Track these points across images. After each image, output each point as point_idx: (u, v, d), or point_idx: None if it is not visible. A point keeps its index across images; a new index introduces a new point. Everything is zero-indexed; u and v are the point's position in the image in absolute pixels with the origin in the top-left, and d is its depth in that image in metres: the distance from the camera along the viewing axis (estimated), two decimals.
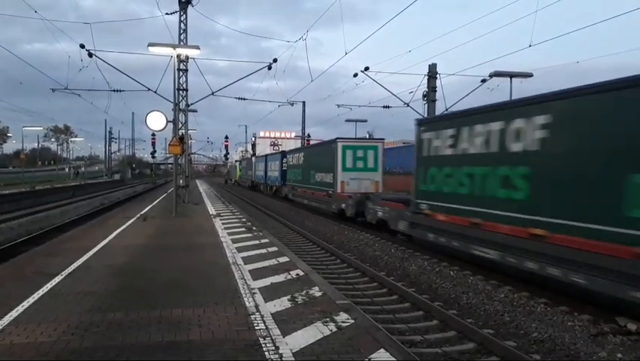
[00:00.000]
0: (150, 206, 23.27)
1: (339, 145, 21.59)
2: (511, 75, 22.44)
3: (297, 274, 8.38)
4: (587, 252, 7.58)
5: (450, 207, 11.61)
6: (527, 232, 8.87)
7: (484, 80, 22.65)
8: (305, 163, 28.85)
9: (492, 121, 10.20)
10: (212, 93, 22.77)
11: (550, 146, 8.61)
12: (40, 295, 6.76)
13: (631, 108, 7.13)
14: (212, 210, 21.25)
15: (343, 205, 20.60)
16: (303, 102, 45.53)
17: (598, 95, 7.76)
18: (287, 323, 5.68)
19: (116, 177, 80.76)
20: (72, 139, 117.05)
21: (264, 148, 66.48)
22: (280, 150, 46.36)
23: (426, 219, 12.84)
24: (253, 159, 54.86)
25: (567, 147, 8.31)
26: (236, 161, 76.56)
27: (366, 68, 22.48)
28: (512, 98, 14.71)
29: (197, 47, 18.69)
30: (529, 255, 8.85)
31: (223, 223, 16.26)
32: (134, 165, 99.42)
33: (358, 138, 27.85)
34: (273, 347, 4.88)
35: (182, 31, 21.38)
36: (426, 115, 22.22)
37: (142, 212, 19.58)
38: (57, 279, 7.70)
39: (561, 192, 8.28)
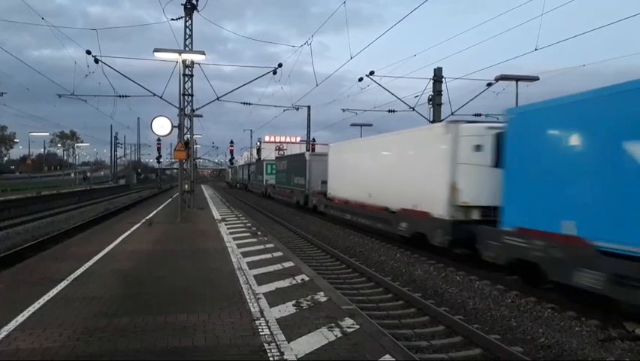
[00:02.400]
0: (155, 211, 23.33)
1: (264, 163, 47.39)
2: (517, 79, 22.41)
3: (302, 279, 8.36)
4: (286, 192, 34.47)
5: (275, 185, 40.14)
6: (285, 190, 35.17)
7: (489, 84, 22.64)
8: (255, 170, 54.66)
9: (282, 161, 39.48)
10: (218, 98, 22.85)
11: (283, 168, 36.76)
12: (45, 300, 6.77)
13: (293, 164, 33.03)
14: (217, 215, 21.27)
15: (263, 190, 46.36)
16: (308, 107, 45.58)
17: (291, 157, 37.59)
18: (292, 328, 5.66)
19: (122, 182, 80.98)
20: (78, 144, 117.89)
21: (269, 153, 66.55)
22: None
23: (273, 189, 40.86)
24: (237, 167, 79.89)
25: (285, 170, 35.32)
26: (229, 167, 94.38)
27: (372, 73, 22.50)
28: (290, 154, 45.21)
29: (203, 53, 18.77)
30: (284, 195, 35.19)
31: (228, 228, 16.26)
32: (139, 170, 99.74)
33: (271, 159, 49.55)
34: (278, 353, 4.86)
35: (187, 37, 21.48)
36: (431, 119, 22.34)
37: (147, 217, 19.63)
38: (63, 284, 7.72)
39: (283, 180, 36.02)
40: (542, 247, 8.56)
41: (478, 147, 11.62)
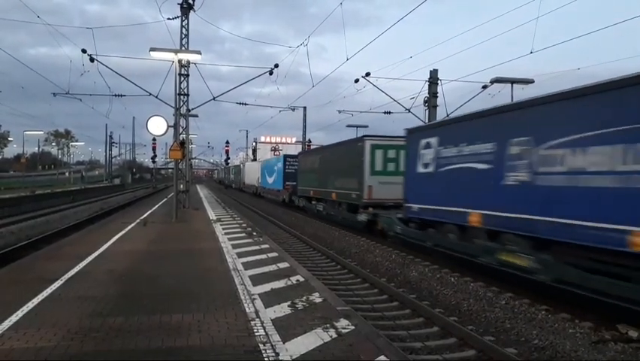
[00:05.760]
0: (150, 211, 23.27)
1: (231, 167, 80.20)
2: (512, 81, 22.42)
3: (297, 280, 8.37)
4: (236, 183, 69.03)
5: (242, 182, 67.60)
6: (235, 182, 71.90)
7: (485, 86, 22.66)
8: (228, 172, 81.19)
9: (236, 167, 75.11)
10: (214, 98, 22.81)
11: (235, 171, 70.87)
12: (39, 300, 6.74)
13: (238, 168, 70.96)
14: (212, 215, 21.25)
15: (229, 183, 78.18)
16: (304, 107, 45.47)
17: (237, 166, 74.66)
18: (287, 329, 5.67)
19: (117, 181, 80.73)
20: (73, 143, 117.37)
21: (264, 153, 66.94)
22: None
23: (232, 182, 72.59)
24: (221, 169, 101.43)
25: (236, 172, 69.42)
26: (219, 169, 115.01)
27: (368, 74, 22.50)
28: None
29: (199, 52, 18.76)
30: (235, 185, 69.43)
31: (223, 228, 16.25)
32: (134, 170, 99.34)
33: (235, 165, 76.34)
34: (273, 353, 4.87)
35: (183, 36, 21.44)
36: (427, 121, 22.39)
37: (142, 217, 19.58)
38: (57, 284, 7.69)
39: (236, 177, 68.72)
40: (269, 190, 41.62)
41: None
